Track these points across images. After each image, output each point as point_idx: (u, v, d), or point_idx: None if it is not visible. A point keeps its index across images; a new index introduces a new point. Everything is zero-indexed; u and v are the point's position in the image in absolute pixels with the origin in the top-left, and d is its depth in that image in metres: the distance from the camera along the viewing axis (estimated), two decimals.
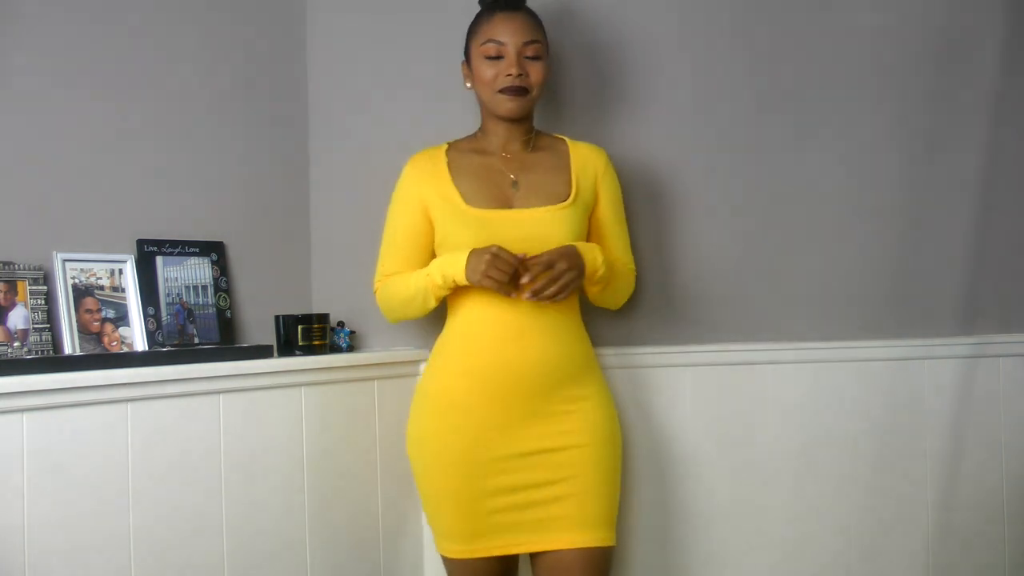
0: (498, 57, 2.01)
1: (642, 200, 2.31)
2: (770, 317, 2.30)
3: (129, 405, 1.80)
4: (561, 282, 1.89)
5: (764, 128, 2.31)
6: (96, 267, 1.97)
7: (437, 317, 2.10)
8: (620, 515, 2.29)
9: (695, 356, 2.28)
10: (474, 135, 2.14)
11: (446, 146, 2.12)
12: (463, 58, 2.10)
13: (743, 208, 2.31)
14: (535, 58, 2.02)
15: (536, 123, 2.15)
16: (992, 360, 2.24)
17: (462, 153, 2.10)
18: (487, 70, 2.02)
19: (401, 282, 2.05)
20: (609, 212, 2.12)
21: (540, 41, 2.04)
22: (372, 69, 2.35)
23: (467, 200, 2.02)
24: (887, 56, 2.29)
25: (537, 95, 2.06)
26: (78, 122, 1.99)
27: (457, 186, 2.04)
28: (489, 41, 2.01)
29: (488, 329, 1.98)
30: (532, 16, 2.06)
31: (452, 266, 1.94)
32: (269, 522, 2.01)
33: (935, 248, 2.28)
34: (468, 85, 2.08)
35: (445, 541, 2.00)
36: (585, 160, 2.10)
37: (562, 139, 2.14)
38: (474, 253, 1.91)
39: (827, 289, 2.30)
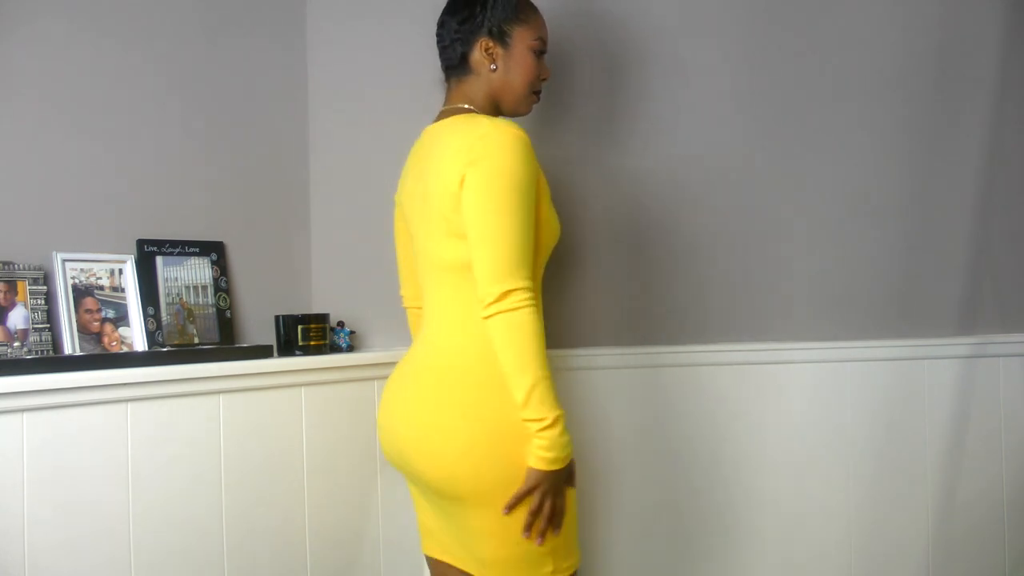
0: (539, 55, 1.89)
1: (642, 201, 2.31)
2: (770, 317, 2.30)
3: (129, 405, 1.80)
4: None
5: (765, 128, 2.31)
6: (96, 267, 1.97)
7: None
8: (622, 515, 2.30)
9: (696, 356, 2.28)
10: None
11: None
12: (486, 32, 1.85)
13: (743, 208, 2.31)
14: None
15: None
16: (992, 360, 2.24)
17: None
18: (534, 66, 1.88)
19: (540, 345, 1.63)
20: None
21: None
22: (372, 70, 2.35)
23: None
24: (887, 57, 2.29)
25: None
26: (78, 122, 1.99)
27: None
28: (540, 38, 1.88)
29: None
30: None
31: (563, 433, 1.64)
32: (269, 522, 2.01)
33: (935, 248, 2.29)
34: (493, 67, 1.86)
35: (574, 556, 1.77)
36: None
37: None
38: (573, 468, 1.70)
39: (828, 289, 2.30)
